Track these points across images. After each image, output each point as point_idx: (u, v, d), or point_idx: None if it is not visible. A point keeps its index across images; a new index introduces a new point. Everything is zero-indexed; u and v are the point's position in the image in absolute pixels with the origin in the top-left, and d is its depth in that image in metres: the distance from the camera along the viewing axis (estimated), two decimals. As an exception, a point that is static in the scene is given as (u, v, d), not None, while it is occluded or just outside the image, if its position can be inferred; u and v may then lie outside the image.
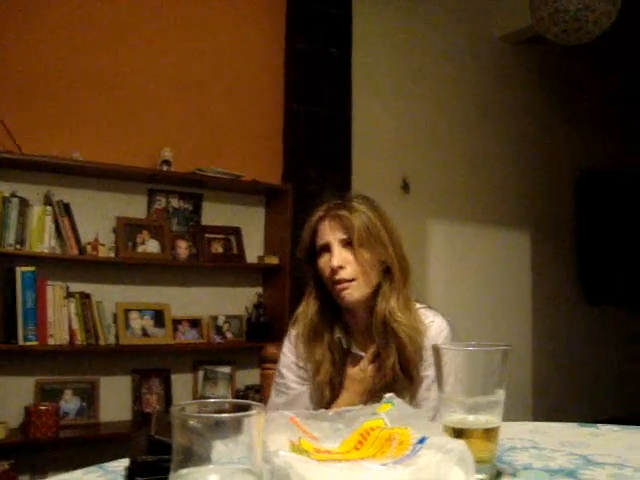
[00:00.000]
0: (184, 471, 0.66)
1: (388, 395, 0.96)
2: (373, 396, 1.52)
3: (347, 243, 1.56)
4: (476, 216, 4.96)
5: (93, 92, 3.54)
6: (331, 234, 1.57)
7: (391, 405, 0.92)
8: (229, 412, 0.69)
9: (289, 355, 1.70)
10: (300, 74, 4.12)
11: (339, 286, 1.55)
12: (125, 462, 1.01)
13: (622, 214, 5.80)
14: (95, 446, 3.21)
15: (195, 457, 0.67)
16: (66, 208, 3.34)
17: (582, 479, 0.94)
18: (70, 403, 3.38)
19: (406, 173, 4.63)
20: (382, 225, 1.57)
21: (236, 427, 0.67)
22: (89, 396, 3.43)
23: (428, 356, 1.57)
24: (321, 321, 1.63)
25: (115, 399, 3.50)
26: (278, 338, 3.31)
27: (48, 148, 3.28)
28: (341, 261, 1.54)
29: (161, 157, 3.59)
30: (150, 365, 3.60)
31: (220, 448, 0.67)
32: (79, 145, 3.40)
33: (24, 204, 3.24)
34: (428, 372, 1.57)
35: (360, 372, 1.56)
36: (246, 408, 0.68)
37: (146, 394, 3.58)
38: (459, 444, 0.76)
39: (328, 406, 1.55)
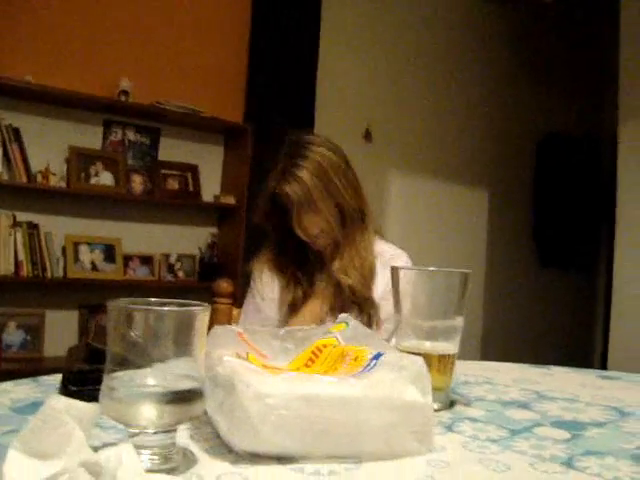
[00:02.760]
0: (119, 374, 0.61)
1: (343, 315, 0.92)
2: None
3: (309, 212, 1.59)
4: (436, 170, 4.94)
5: (52, 14, 3.35)
6: (295, 208, 1.58)
7: (345, 325, 0.88)
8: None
9: (259, 288, 1.75)
10: (268, 13, 3.98)
11: (308, 241, 1.63)
12: (60, 377, 0.95)
13: (580, 179, 5.84)
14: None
15: (132, 362, 0.61)
16: (16, 133, 3.19)
17: (535, 410, 0.92)
18: (13, 336, 3.29)
19: (369, 122, 4.57)
20: (334, 175, 1.58)
21: (179, 326, 0.61)
22: (33, 330, 3.34)
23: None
24: (284, 258, 1.70)
25: (61, 334, 3.41)
26: (229, 276, 3.27)
27: (-1, 69, 3.11)
28: (301, 227, 1.59)
29: (119, 87, 3.45)
30: (98, 301, 3.51)
31: (159, 359, 0.61)
32: (33, 68, 3.23)
33: (-31, 126, 3.09)
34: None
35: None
36: (191, 306, 0.63)
37: (88, 331, 3.49)
38: (416, 361, 0.72)
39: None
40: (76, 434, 0.54)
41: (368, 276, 1.62)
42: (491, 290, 5.13)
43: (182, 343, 0.62)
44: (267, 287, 1.72)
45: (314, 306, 1.62)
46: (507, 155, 5.44)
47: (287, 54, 4.00)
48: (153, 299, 0.64)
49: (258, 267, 1.75)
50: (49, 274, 3.26)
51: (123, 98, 3.46)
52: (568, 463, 0.68)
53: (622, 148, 3.86)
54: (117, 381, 0.60)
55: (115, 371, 0.61)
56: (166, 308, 0.61)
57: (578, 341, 5.83)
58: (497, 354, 4.96)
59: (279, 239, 1.69)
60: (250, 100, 3.93)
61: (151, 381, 0.61)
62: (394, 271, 0.92)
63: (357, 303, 1.59)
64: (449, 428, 0.81)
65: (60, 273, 3.34)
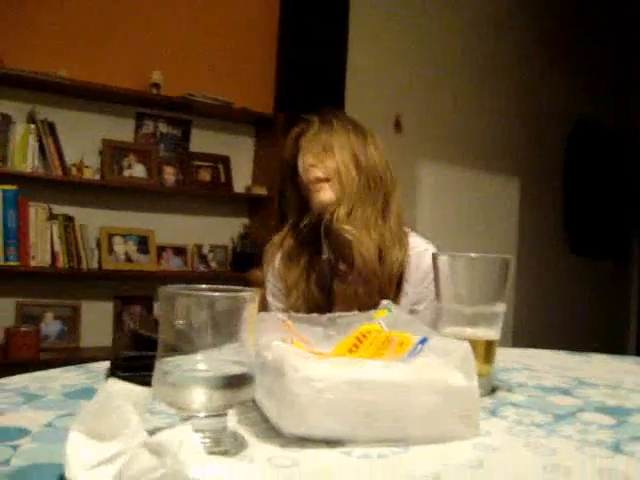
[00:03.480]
0: (170, 359, 0.62)
1: (385, 302, 0.93)
2: None
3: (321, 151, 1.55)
4: (466, 160, 4.91)
5: (84, 7, 3.39)
6: (306, 148, 1.57)
7: (388, 311, 0.88)
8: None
9: (271, 280, 1.69)
10: (296, 3, 3.97)
11: (314, 187, 1.54)
12: (107, 365, 0.97)
13: (611, 168, 5.76)
14: (76, 369, 3.19)
15: (182, 348, 0.62)
16: (51, 127, 3.24)
17: (577, 396, 0.92)
18: (51, 326, 3.35)
19: (399, 112, 4.55)
20: (355, 139, 1.55)
21: (228, 311, 0.62)
22: (70, 320, 3.40)
23: (422, 287, 1.55)
24: (299, 245, 1.60)
25: (96, 324, 3.47)
26: (262, 265, 3.29)
27: (33, 64, 3.14)
28: (313, 159, 1.54)
29: (151, 80, 3.48)
30: (133, 292, 3.56)
31: (209, 345, 0.62)
32: (66, 62, 3.27)
33: (7, 121, 3.14)
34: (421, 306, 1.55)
35: (348, 288, 1.53)
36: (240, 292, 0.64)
37: (128, 320, 3.55)
38: (462, 345, 0.72)
39: None
40: (132, 417, 0.56)
41: (387, 258, 1.51)
42: (523, 278, 5.09)
43: (232, 329, 0.63)
44: (278, 283, 1.67)
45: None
46: (538, 143, 5.38)
47: (316, 44, 4.00)
48: (203, 285, 0.65)
49: (270, 261, 1.68)
50: (84, 265, 3.31)
51: (155, 91, 3.49)
52: (616, 447, 0.68)
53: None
54: (169, 366, 0.62)
55: (166, 357, 0.62)
56: (217, 294, 0.62)
57: (611, 329, 5.77)
58: (528, 342, 4.92)
59: (296, 220, 1.62)
60: (280, 90, 3.94)
61: (202, 366, 0.62)
62: (435, 258, 0.93)
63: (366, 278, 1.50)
64: (493, 413, 0.81)
65: (95, 264, 3.40)
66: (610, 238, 5.81)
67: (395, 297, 1.52)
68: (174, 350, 0.62)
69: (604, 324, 5.71)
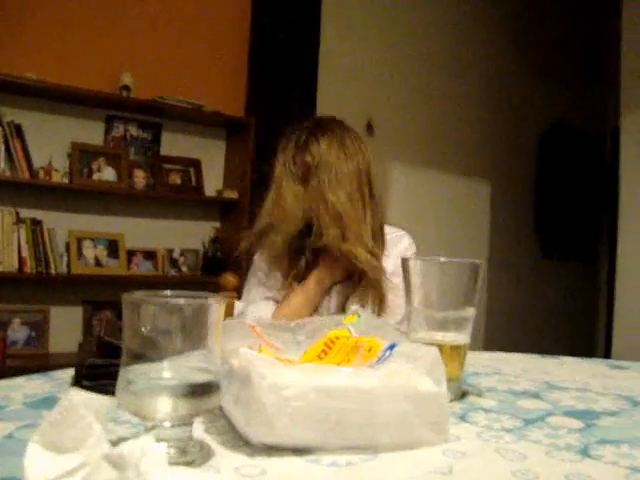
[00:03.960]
0: (135, 367, 0.61)
1: (354, 307, 0.92)
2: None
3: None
4: (439, 162, 4.93)
5: (52, 9, 3.34)
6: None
7: (357, 317, 0.88)
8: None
9: (257, 272, 1.73)
10: (268, 6, 3.96)
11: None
12: (72, 372, 0.95)
13: (582, 170, 5.84)
14: (44, 375, 3.14)
15: (147, 355, 0.61)
16: (17, 130, 3.19)
17: (546, 400, 0.92)
18: (18, 332, 3.29)
19: (371, 115, 4.56)
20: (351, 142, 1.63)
21: (194, 318, 0.61)
22: (38, 326, 3.34)
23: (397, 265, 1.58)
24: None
25: (65, 330, 3.41)
26: (234, 270, 3.26)
27: (1, 66, 3.10)
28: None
29: (121, 82, 3.44)
30: (102, 296, 3.51)
31: (174, 351, 0.61)
32: (34, 65, 3.22)
33: (-28, 123, 3.09)
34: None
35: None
36: (205, 298, 0.63)
37: (97, 326, 3.50)
38: (430, 351, 0.72)
39: None
40: (95, 428, 0.54)
41: (378, 248, 1.61)
42: (494, 281, 5.13)
43: (197, 336, 0.62)
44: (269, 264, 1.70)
45: (319, 275, 1.61)
46: (510, 146, 5.43)
47: (288, 47, 3.99)
48: (168, 291, 0.64)
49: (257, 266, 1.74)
50: (53, 270, 3.26)
51: (124, 93, 3.45)
52: (584, 452, 0.68)
53: (624, 139, 3.86)
54: (133, 374, 0.60)
55: (131, 364, 0.61)
56: (182, 300, 0.61)
57: (581, 331, 5.84)
58: (500, 344, 4.95)
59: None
60: (251, 94, 3.93)
61: (167, 374, 0.61)
62: (404, 262, 0.92)
63: (362, 273, 1.58)
64: (462, 418, 0.81)
65: (64, 269, 3.34)
66: (580, 240, 5.88)
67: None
68: (139, 357, 0.61)
69: (574, 325, 5.78)
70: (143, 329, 0.60)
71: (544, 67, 5.46)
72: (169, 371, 0.61)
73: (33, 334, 3.32)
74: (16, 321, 3.28)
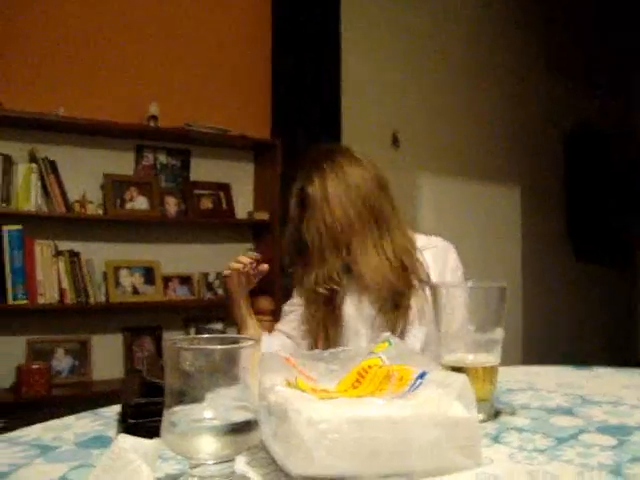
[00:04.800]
0: (177, 408, 0.64)
1: (385, 334, 0.95)
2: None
3: None
4: (466, 171, 4.93)
5: (77, 46, 3.44)
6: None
7: (388, 344, 0.90)
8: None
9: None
10: (288, 28, 4.02)
11: None
12: (117, 408, 0.99)
13: (611, 172, 5.78)
14: (88, 404, 3.18)
15: (188, 395, 0.65)
16: (52, 165, 3.28)
17: (579, 416, 0.94)
18: (62, 362, 3.37)
19: (396, 128, 4.58)
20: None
21: (230, 361, 0.65)
22: (81, 355, 3.42)
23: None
24: None
25: (107, 357, 3.48)
26: (269, 293, 3.29)
27: (32, 104, 3.19)
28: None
29: (148, 112, 3.52)
30: (141, 323, 3.58)
31: (214, 390, 0.65)
32: (64, 101, 3.31)
33: (8, 162, 3.18)
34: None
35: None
36: (239, 342, 0.66)
37: (137, 352, 3.57)
38: (459, 378, 0.74)
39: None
40: (144, 470, 0.58)
41: (397, 267, 1.59)
42: (527, 288, 5.10)
43: (234, 376, 0.65)
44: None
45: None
46: (537, 150, 5.40)
47: (310, 67, 4.04)
48: (206, 336, 0.67)
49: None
50: (92, 300, 3.33)
51: (152, 123, 3.53)
52: (616, 471, 0.69)
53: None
54: (177, 416, 0.64)
55: (173, 405, 0.64)
56: (218, 347, 0.64)
57: (619, 336, 5.75)
58: (537, 350, 4.93)
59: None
60: (277, 116, 3.98)
61: (208, 414, 0.64)
62: (433, 287, 0.95)
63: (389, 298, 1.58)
64: (495, 439, 0.83)
65: (102, 298, 3.42)
66: (615, 244, 5.80)
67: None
68: (180, 398, 0.64)
69: (612, 332, 5.70)
70: (182, 372, 0.64)
71: (567, 69, 5.43)
72: (210, 411, 0.64)
73: (76, 363, 3.40)
74: (59, 351, 3.36)
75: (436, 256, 1.67)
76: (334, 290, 1.61)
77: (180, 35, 3.76)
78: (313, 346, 1.62)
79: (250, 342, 0.65)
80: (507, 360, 1.03)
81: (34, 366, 3.16)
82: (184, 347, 0.64)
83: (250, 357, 0.65)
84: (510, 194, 5.27)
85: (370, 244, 1.58)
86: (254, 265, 1.70)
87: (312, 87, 4.04)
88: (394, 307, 1.57)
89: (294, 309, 1.75)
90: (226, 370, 0.65)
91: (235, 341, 0.66)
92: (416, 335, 1.53)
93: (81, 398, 3.28)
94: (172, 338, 0.66)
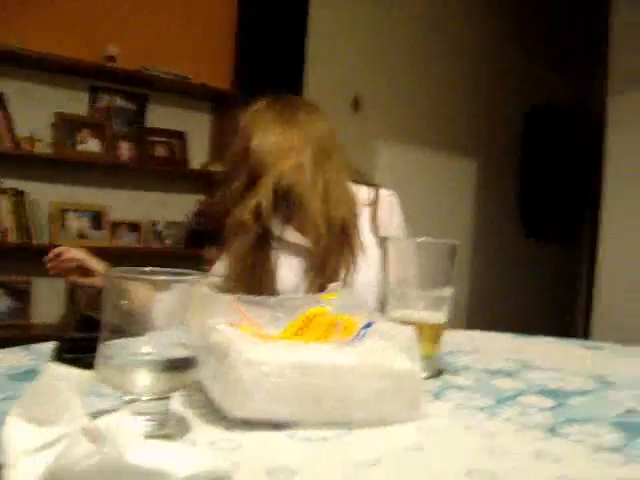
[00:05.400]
0: (114, 342, 0.62)
1: (334, 284, 0.93)
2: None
3: None
4: (425, 140, 4.93)
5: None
6: None
7: (336, 294, 0.89)
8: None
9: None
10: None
11: None
12: (53, 345, 0.96)
13: (566, 152, 5.86)
14: (26, 346, 3.14)
15: (126, 329, 0.62)
16: (0, 98, 3.16)
17: (521, 379, 0.94)
18: (1, 303, 3.28)
19: (358, 91, 4.55)
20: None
21: (172, 294, 0.62)
22: (21, 297, 3.34)
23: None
24: None
25: (48, 301, 3.41)
26: (216, 243, 3.25)
27: (-17, 33, 3.06)
28: None
29: (106, 52, 3.41)
30: (86, 268, 3.51)
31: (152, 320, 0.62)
32: (18, 33, 3.16)
33: (-46, 91, 3.05)
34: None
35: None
36: (182, 276, 0.64)
37: (81, 297, 3.50)
38: (406, 331, 0.73)
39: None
40: (73, 401, 0.55)
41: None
42: (477, 259, 5.17)
43: (175, 312, 0.63)
44: None
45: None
46: (496, 125, 5.44)
47: (276, 20, 3.96)
48: (147, 268, 0.64)
49: None
50: (35, 241, 3.25)
51: (109, 64, 3.42)
52: (551, 430, 0.70)
53: (611, 120, 3.88)
54: (113, 349, 0.61)
55: (110, 339, 0.62)
56: (161, 277, 0.62)
57: (562, 312, 5.90)
58: (482, 322, 5.01)
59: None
60: (239, 66, 3.89)
61: (146, 349, 0.62)
62: (383, 241, 0.94)
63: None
64: (437, 396, 0.83)
65: (46, 240, 3.33)
66: (563, 221, 5.93)
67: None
68: (118, 333, 0.62)
69: (555, 306, 5.84)
70: (121, 306, 0.61)
71: (531, 44, 5.45)
72: (148, 346, 0.62)
73: (16, 305, 3.32)
74: (-1, 291, 3.27)
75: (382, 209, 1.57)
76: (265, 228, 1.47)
77: (145, -25, 3.63)
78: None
79: (192, 277, 0.63)
80: (450, 327, 1.02)
81: (-28, 304, 3.08)
82: (127, 277, 0.61)
83: (194, 292, 0.62)
84: (467, 166, 5.30)
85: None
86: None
87: (277, 41, 3.96)
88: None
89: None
90: (172, 306, 0.62)
91: (178, 274, 0.63)
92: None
93: (20, 340, 3.20)
94: (111, 269, 0.63)
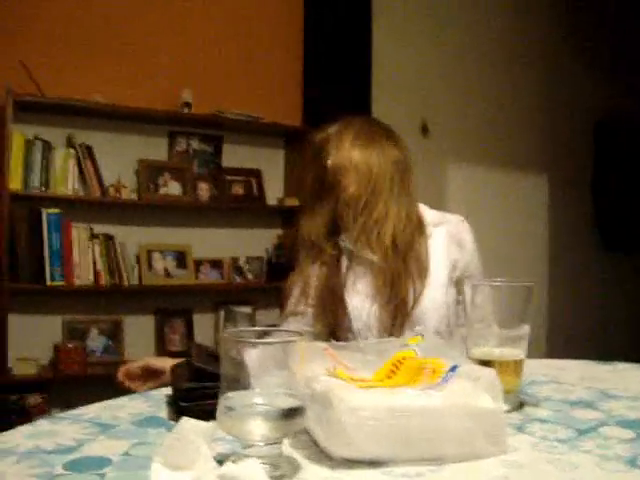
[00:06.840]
0: (232, 394, 0.71)
1: (418, 328, 1.01)
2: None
3: None
4: (495, 160, 4.94)
5: (113, 34, 3.52)
6: None
7: (421, 338, 0.96)
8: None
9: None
10: (319, 16, 4.06)
11: None
12: (165, 391, 1.07)
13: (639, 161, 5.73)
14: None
15: (241, 382, 0.71)
16: (89, 150, 3.38)
17: (600, 410, 0.99)
18: (96, 341, 3.48)
19: (425, 116, 4.61)
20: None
21: (279, 353, 0.71)
22: (114, 335, 3.53)
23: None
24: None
25: (139, 338, 3.59)
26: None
27: (70, 91, 3.28)
28: None
29: (181, 99, 3.60)
30: (172, 305, 3.69)
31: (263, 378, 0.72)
32: (100, 88, 3.40)
33: (47, 147, 3.28)
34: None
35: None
36: (289, 336, 0.73)
37: (169, 333, 3.67)
38: (488, 372, 0.80)
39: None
40: (203, 450, 0.65)
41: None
42: (554, 278, 5.12)
43: (284, 366, 0.72)
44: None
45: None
46: (565, 139, 5.38)
47: (341, 54, 4.07)
48: (258, 328, 0.74)
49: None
50: (125, 282, 3.44)
51: (186, 110, 3.61)
52: (632, 462, 0.75)
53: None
54: (232, 401, 0.71)
55: (228, 390, 0.71)
56: (272, 340, 0.71)
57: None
58: (562, 342, 4.95)
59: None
60: (307, 102, 4.04)
61: (259, 400, 0.71)
62: (461, 285, 1.01)
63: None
64: (520, 429, 0.89)
65: (135, 280, 3.52)
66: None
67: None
68: (234, 385, 0.71)
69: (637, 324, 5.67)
70: (237, 362, 0.71)
71: (596, 56, 5.38)
72: (260, 397, 0.71)
73: (110, 342, 3.51)
74: (94, 331, 3.47)
75: (450, 234, 1.59)
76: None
77: (213, 23, 3.82)
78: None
79: (297, 336, 0.72)
80: (531, 351, 1.07)
81: (70, 345, 3.28)
82: (241, 340, 0.71)
83: (297, 348, 0.72)
84: (538, 183, 5.26)
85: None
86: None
87: (342, 74, 4.08)
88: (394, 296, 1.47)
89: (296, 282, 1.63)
90: (278, 360, 0.72)
91: (283, 335, 0.73)
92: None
93: (114, 376, 3.39)
94: (229, 330, 0.73)
